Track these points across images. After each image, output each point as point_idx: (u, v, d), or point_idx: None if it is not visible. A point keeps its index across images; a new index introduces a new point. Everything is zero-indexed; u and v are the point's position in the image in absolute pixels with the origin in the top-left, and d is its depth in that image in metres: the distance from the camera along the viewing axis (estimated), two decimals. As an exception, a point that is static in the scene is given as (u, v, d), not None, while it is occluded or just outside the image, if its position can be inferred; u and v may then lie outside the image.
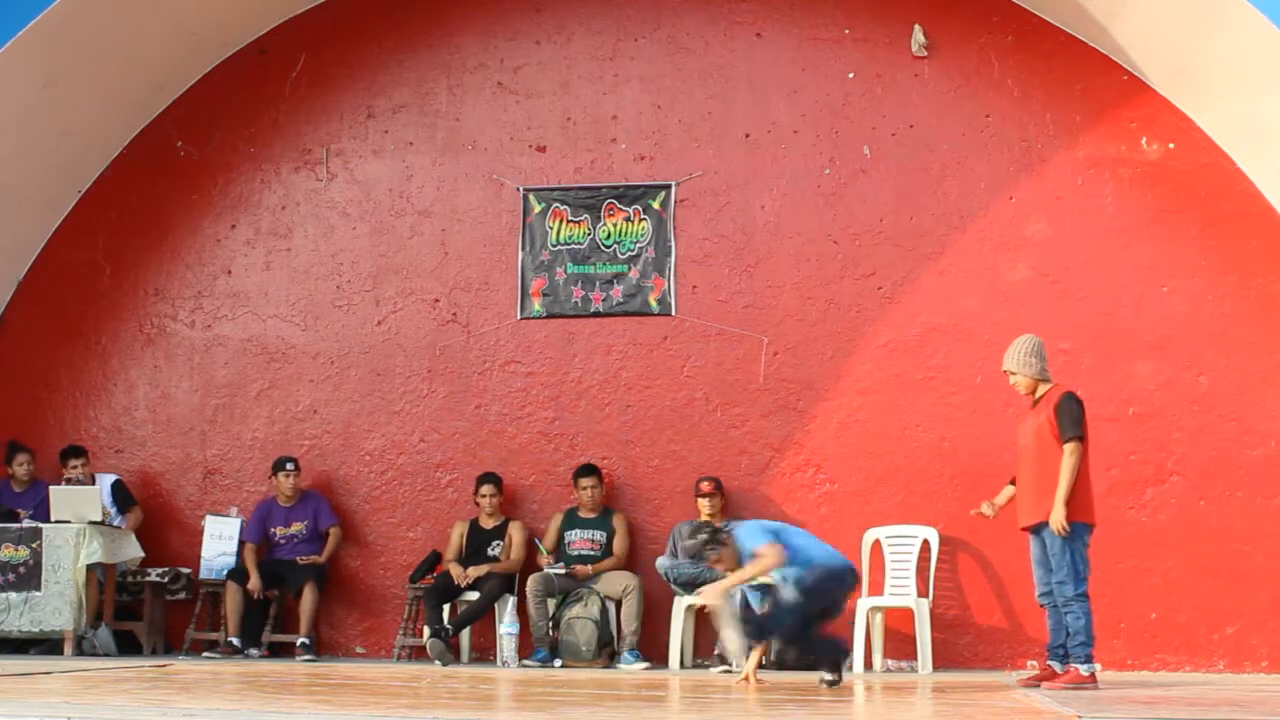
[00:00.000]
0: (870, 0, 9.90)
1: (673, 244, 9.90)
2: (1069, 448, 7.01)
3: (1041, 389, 7.31)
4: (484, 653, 9.59)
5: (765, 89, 9.97)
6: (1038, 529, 7.16)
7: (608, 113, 10.12)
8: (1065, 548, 6.98)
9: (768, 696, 6.43)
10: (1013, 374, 7.36)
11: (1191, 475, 9.17)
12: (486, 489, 9.50)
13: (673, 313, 9.82)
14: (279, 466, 9.74)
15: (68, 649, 9.07)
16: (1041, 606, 7.31)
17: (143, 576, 9.74)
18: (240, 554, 9.71)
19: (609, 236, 9.97)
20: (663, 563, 9.15)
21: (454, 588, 9.30)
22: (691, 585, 9.03)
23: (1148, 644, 9.06)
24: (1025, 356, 7.29)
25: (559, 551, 9.39)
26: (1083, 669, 6.94)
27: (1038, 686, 7.01)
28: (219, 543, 9.83)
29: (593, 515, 9.49)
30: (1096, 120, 9.57)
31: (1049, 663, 7.22)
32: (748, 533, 7.08)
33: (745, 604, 8.00)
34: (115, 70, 9.97)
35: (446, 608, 9.32)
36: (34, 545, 9.14)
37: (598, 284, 9.94)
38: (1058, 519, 6.91)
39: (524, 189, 10.11)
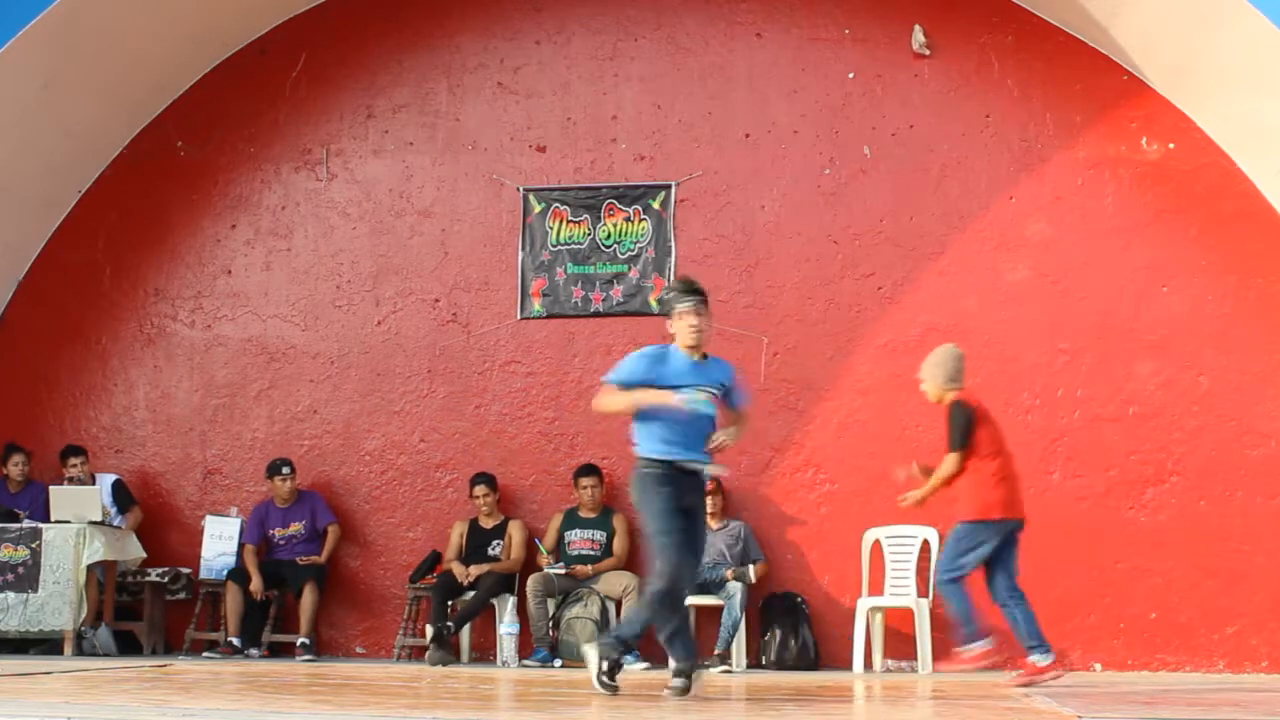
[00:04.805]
0: (870, 0, 9.90)
1: (673, 244, 9.90)
2: (949, 457, 7.08)
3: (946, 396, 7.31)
4: (484, 653, 9.59)
5: (765, 89, 9.97)
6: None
7: (608, 113, 10.12)
8: (961, 536, 7.07)
9: (768, 697, 6.43)
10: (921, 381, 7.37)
11: (1191, 475, 9.17)
12: (480, 489, 9.51)
13: (673, 313, 9.80)
14: (274, 470, 9.73)
15: (67, 649, 9.08)
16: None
17: (143, 576, 9.74)
18: (240, 555, 9.71)
19: (609, 236, 9.97)
20: (663, 563, 9.13)
21: (457, 586, 9.30)
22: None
23: (1148, 644, 9.06)
24: (929, 367, 7.28)
25: (559, 551, 9.39)
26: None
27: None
28: (219, 543, 9.83)
29: (593, 515, 9.49)
30: (1096, 120, 9.57)
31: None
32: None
33: None
34: (115, 70, 9.97)
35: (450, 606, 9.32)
36: (34, 545, 9.15)
37: (598, 284, 9.94)
38: (911, 500, 7.13)
39: (524, 189, 10.11)
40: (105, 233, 10.50)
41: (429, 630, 9.02)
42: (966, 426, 7.05)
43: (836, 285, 9.71)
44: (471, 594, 9.28)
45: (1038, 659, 6.91)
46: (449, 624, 9.07)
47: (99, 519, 9.34)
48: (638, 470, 6.24)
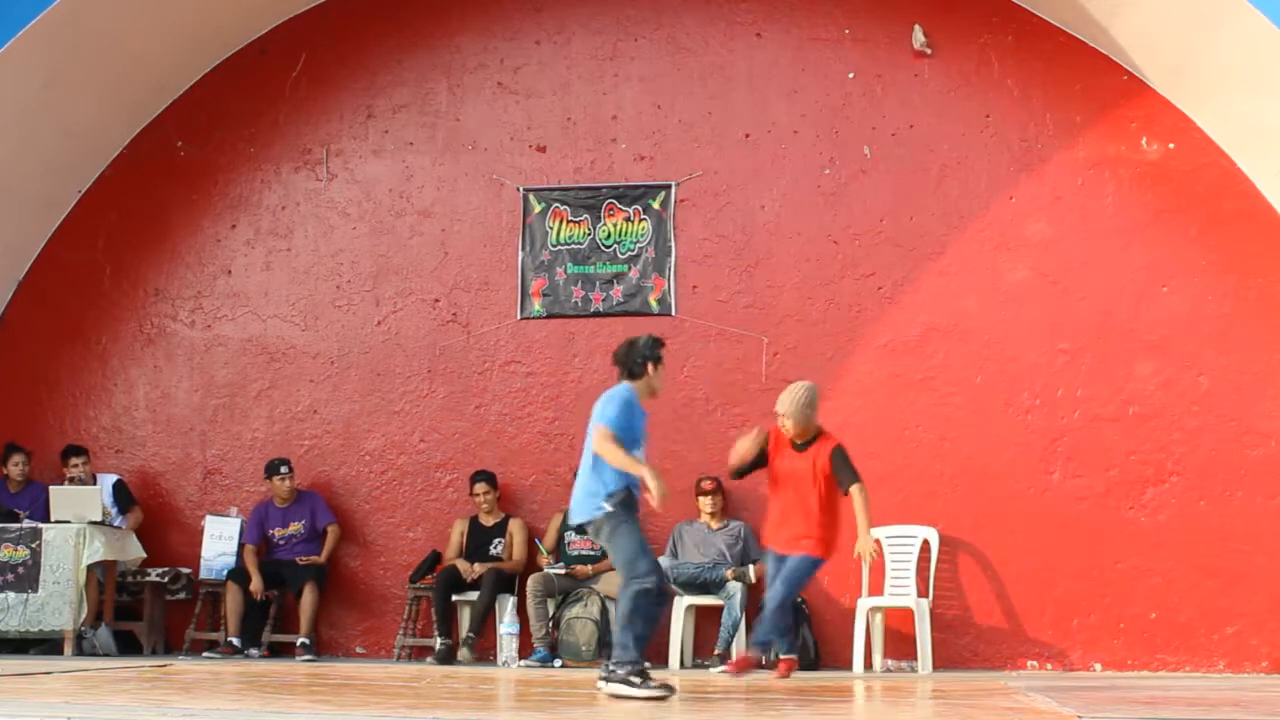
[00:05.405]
0: (870, 0, 9.90)
1: (673, 244, 9.90)
2: (857, 489, 7.36)
3: (811, 434, 7.51)
4: (484, 653, 9.58)
5: (765, 89, 9.97)
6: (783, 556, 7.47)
7: (608, 113, 10.12)
8: (812, 569, 7.46)
9: (768, 696, 6.43)
10: (784, 418, 7.46)
11: (1191, 475, 9.17)
12: (480, 487, 9.51)
13: (673, 313, 9.82)
14: (273, 470, 9.73)
15: (67, 649, 9.08)
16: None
17: (143, 576, 9.75)
18: (240, 555, 9.71)
19: (609, 236, 9.97)
20: (663, 562, 9.14)
21: (460, 581, 9.29)
22: (692, 585, 9.04)
23: (1148, 644, 9.07)
24: (802, 408, 7.40)
25: (559, 551, 9.39)
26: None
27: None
28: (219, 543, 9.83)
29: (593, 515, 9.47)
30: (1096, 120, 9.57)
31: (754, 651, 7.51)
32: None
33: None
34: (115, 70, 9.97)
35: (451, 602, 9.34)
36: (34, 545, 9.15)
37: (598, 284, 9.94)
38: (868, 546, 7.40)
39: (524, 189, 10.11)
40: (105, 233, 10.50)
41: (463, 639, 9.06)
42: (850, 461, 7.41)
43: (836, 285, 9.71)
44: (470, 594, 9.28)
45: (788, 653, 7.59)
46: (471, 635, 9.11)
47: (99, 519, 9.34)
48: (611, 505, 6.40)
